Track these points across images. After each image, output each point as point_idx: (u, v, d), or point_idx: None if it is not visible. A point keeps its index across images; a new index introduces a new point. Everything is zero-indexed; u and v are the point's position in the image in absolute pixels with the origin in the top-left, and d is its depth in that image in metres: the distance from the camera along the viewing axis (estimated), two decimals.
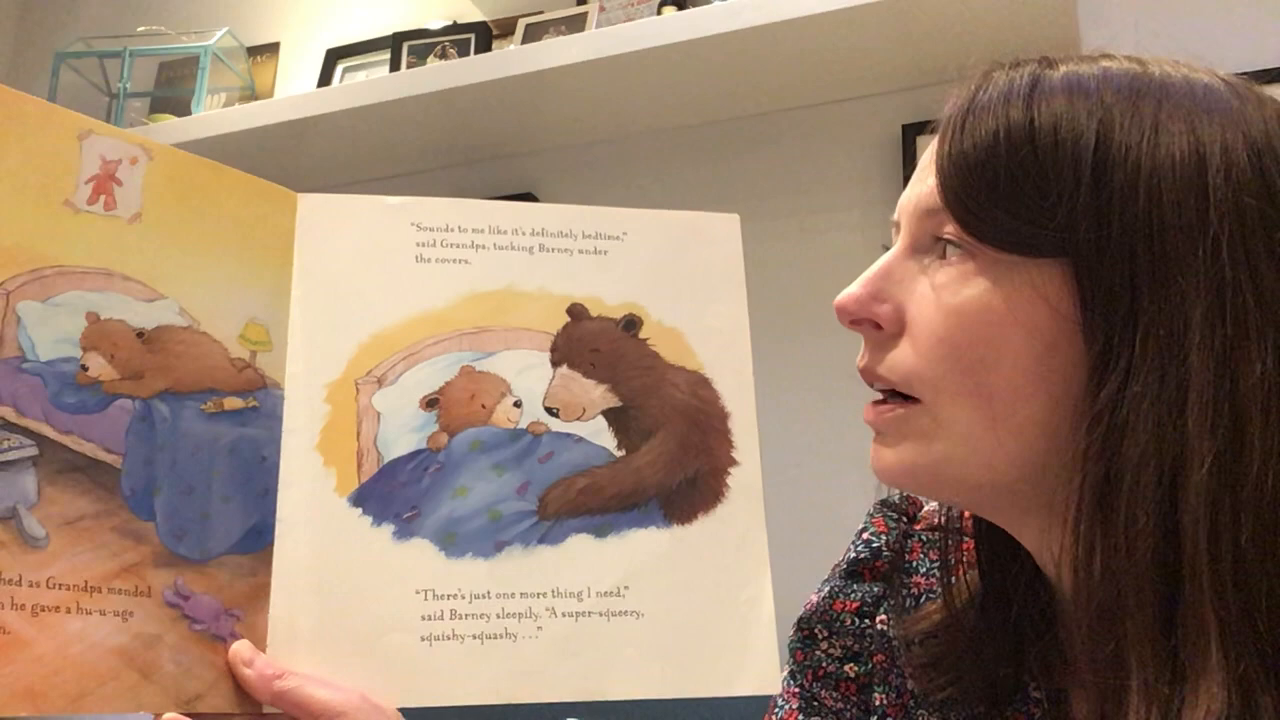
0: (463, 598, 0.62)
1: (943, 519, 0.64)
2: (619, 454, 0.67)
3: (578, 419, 0.67)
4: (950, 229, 0.52)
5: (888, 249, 0.58)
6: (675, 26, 1.48)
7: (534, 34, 1.72)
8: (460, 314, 0.68)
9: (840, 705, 0.66)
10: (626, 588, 0.64)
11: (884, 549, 0.68)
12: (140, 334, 0.61)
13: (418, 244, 0.69)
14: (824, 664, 0.67)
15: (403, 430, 0.65)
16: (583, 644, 0.62)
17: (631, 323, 0.70)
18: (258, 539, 0.61)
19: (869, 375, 0.57)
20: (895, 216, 0.58)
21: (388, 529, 0.63)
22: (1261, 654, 0.44)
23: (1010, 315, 0.50)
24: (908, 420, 0.54)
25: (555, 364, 0.68)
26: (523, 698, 0.61)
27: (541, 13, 1.77)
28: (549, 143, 1.77)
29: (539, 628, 0.62)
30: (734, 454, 0.69)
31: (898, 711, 0.64)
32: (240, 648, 0.59)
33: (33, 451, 0.56)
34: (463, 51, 1.81)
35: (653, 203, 1.63)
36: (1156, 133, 0.49)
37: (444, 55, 1.81)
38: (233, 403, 0.63)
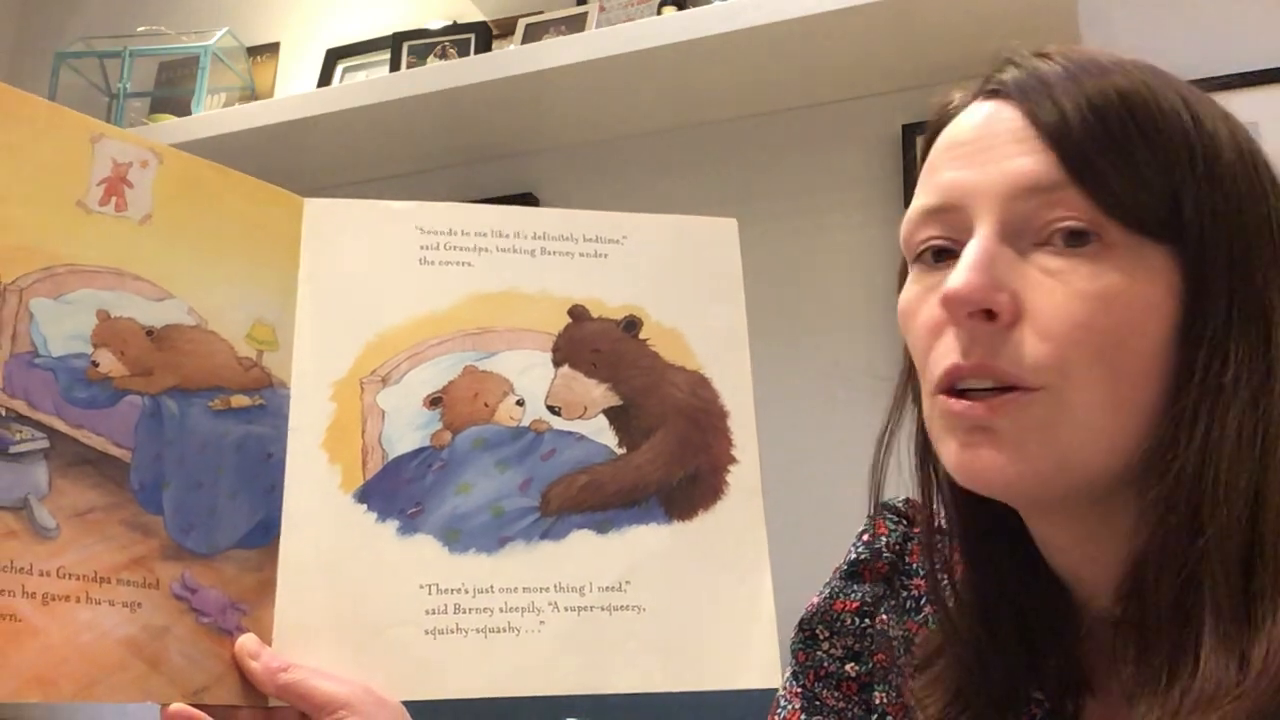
0: (466, 592, 0.63)
1: (943, 522, 0.61)
2: (620, 452, 0.68)
3: (579, 417, 0.68)
4: (1073, 208, 0.50)
5: (942, 252, 0.54)
6: (675, 26, 1.48)
7: (534, 34, 1.73)
8: (463, 315, 0.69)
9: (842, 705, 0.67)
10: (628, 583, 0.65)
11: (884, 550, 0.68)
12: (150, 332, 0.62)
13: (421, 247, 0.70)
14: (825, 664, 0.67)
15: (407, 428, 0.66)
16: (585, 638, 0.63)
17: (632, 324, 0.72)
18: (264, 534, 0.62)
19: (984, 371, 0.51)
20: (955, 202, 0.53)
21: (392, 525, 0.63)
22: None
23: (1140, 298, 0.49)
24: (1029, 409, 0.50)
25: (557, 364, 0.69)
26: (526, 691, 0.61)
27: (541, 13, 1.77)
28: (549, 143, 1.77)
29: (542, 622, 0.63)
30: (733, 452, 0.70)
31: (898, 710, 0.64)
32: (246, 641, 0.59)
33: (44, 444, 0.57)
34: (463, 51, 1.81)
35: (653, 202, 1.63)
36: (1216, 123, 0.52)
37: (444, 55, 1.81)
38: (239, 400, 0.64)
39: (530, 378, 0.69)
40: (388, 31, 1.93)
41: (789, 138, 1.62)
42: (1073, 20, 1.35)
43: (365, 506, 0.64)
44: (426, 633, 0.62)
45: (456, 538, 0.64)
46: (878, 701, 0.65)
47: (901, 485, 0.62)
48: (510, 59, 1.59)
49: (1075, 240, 0.50)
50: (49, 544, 0.55)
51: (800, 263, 1.56)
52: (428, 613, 0.62)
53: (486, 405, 0.67)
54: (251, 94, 2.04)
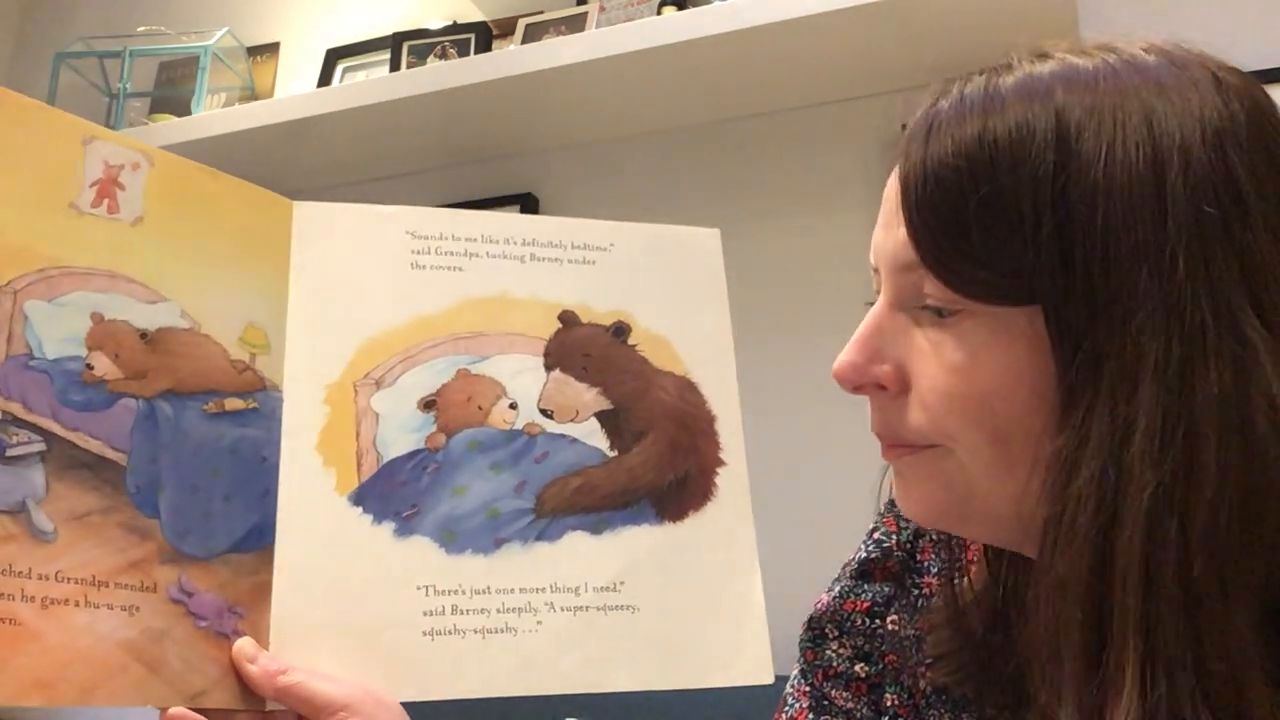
0: (463, 593, 0.63)
1: None
2: (611, 454, 0.69)
3: (571, 421, 0.69)
4: (931, 289, 0.51)
5: (871, 304, 0.56)
6: (675, 26, 1.48)
7: (534, 34, 1.73)
8: (456, 319, 0.69)
9: (851, 705, 0.67)
10: (622, 583, 0.66)
11: (895, 549, 0.68)
12: (143, 335, 0.62)
13: (413, 251, 0.70)
14: (834, 663, 0.68)
15: (401, 431, 0.66)
16: (581, 637, 0.64)
17: (621, 329, 0.73)
18: (259, 538, 0.62)
19: (887, 438, 0.55)
20: (873, 262, 0.56)
21: (388, 527, 0.64)
22: (1205, 691, 0.43)
23: (1009, 363, 0.49)
24: (928, 461, 0.53)
25: (548, 368, 0.70)
26: (524, 690, 0.62)
27: (541, 13, 1.77)
28: (549, 143, 1.77)
29: (539, 622, 0.63)
30: (721, 454, 0.72)
31: (909, 712, 0.64)
32: (244, 644, 0.59)
33: (41, 447, 0.57)
34: (463, 51, 1.81)
35: (653, 202, 1.66)
36: (1113, 144, 0.47)
37: (444, 55, 1.81)
38: (233, 403, 0.64)
39: (522, 381, 0.69)
40: (388, 31, 1.92)
41: (789, 138, 1.62)
42: (1072, 21, 1.36)
43: (361, 509, 0.64)
44: (424, 634, 0.62)
45: (453, 539, 0.64)
46: (889, 703, 0.65)
47: None
48: (510, 59, 1.59)
49: (941, 315, 0.51)
50: (47, 547, 0.55)
51: (800, 262, 1.56)
52: (425, 614, 0.62)
53: (480, 408, 0.68)
54: (251, 94, 2.03)
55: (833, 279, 1.53)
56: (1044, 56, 0.52)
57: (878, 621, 0.68)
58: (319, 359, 0.66)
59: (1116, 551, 0.44)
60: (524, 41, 1.72)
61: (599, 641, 0.64)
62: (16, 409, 0.56)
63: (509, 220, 0.74)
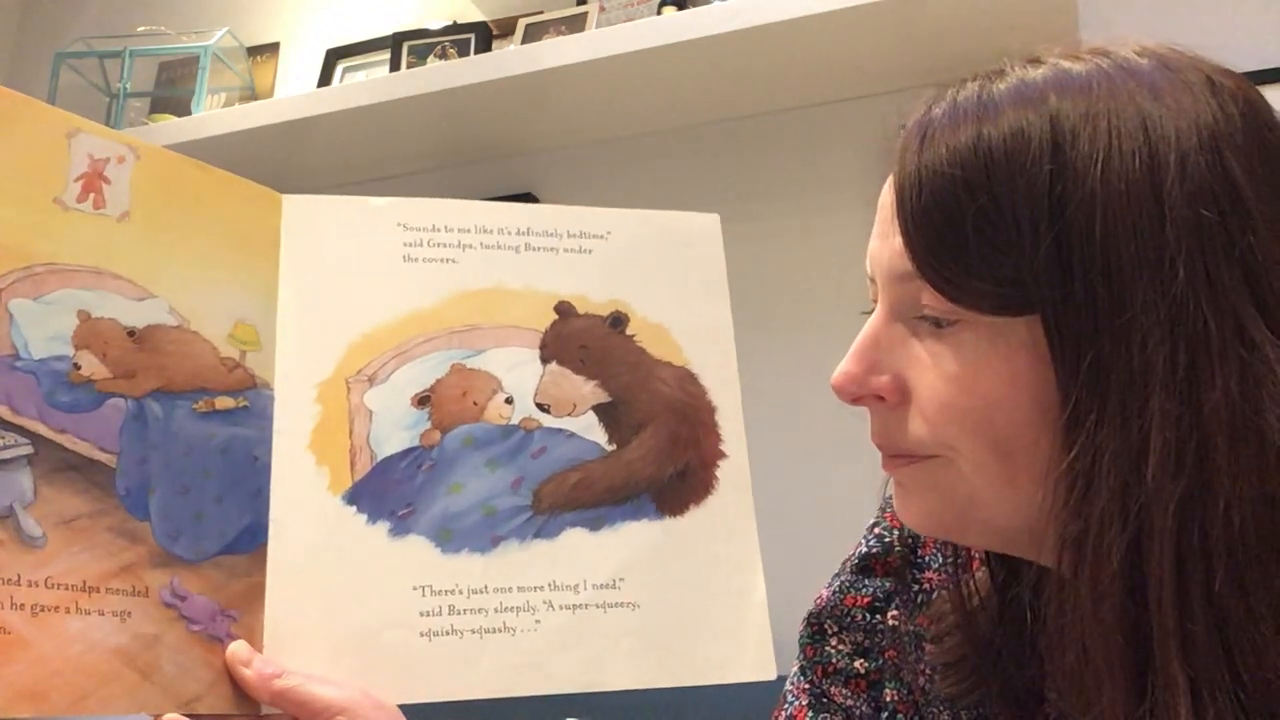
0: (460, 593, 0.62)
1: None
2: (610, 448, 0.68)
3: (568, 414, 0.68)
4: (929, 299, 0.50)
5: (869, 314, 0.56)
6: (675, 26, 1.47)
7: (534, 34, 1.72)
8: (449, 312, 0.68)
9: (850, 702, 0.67)
10: (622, 579, 0.65)
11: (896, 544, 0.68)
12: (131, 333, 0.61)
13: (405, 244, 0.69)
14: (834, 660, 0.67)
15: (395, 428, 0.65)
16: (581, 635, 0.63)
17: (618, 319, 0.71)
18: (251, 539, 0.61)
19: (888, 449, 0.55)
20: (869, 271, 0.56)
21: (383, 526, 0.63)
22: (1243, 706, 0.42)
23: (1009, 373, 0.49)
24: (929, 471, 0.53)
25: (545, 360, 0.69)
26: (523, 690, 0.61)
27: (541, 13, 1.77)
28: (549, 143, 1.77)
29: (537, 621, 0.63)
30: (722, 447, 0.71)
31: (908, 708, 0.64)
32: (238, 648, 0.58)
33: (28, 450, 0.56)
34: (463, 51, 1.80)
35: (653, 202, 1.61)
36: (1110, 149, 0.46)
37: (444, 55, 1.80)
38: (224, 402, 0.63)
39: (518, 375, 0.68)
40: (388, 31, 1.92)
41: (789, 138, 1.62)
42: (1072, 21, 1.36)
43: (355, 508, 0.63)
44: (421, 635, 0.61)
45: (449, 538, 0.63)
46: (888, 699, 0.65)
47: None
48: (510, 59, 1.59)
49: (940, 325, 0.51)
50: (36, 553, 0.54)
51: (801, 262, 1.56)
52: (422, 615, 0.61)
53: (475, 403, 0.67)
54: (251, 94, 2.02)
55: (834, 278, 1.52)
56: (1037, 62, 0.51)
57: (878, 617, 0.67)
58: (310, 356, 0.65)
59: (1149, 569, 0.44)
60: (524, 41, 1.72)
61: (599, 640, 0.63)
62: (3, 411, 0.55)
63: (503, 210, 0.72)
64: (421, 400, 0.66)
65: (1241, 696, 0.42)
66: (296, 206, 0.68)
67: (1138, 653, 0.44)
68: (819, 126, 1.60)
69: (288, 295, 0.66)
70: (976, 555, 0.61)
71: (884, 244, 0.53)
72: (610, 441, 0.68)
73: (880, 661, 0.66)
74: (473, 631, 0.62)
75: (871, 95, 1.57)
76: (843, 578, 0.69)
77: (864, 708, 0.66)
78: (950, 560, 0.62)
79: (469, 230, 0.70)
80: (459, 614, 0.62)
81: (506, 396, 0.67)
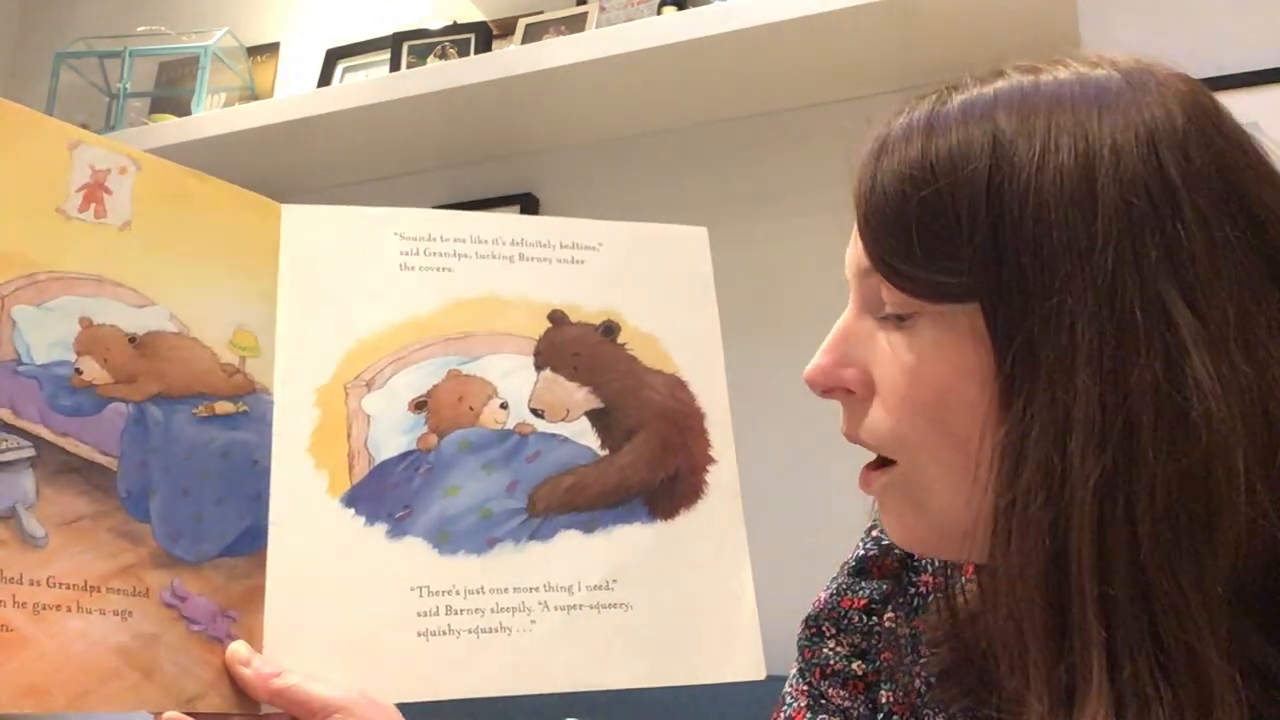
0: (457, 593, 0.63)
1: None
2: (602, 453, 0.69)
3: (562, 420, 0.69)
4: (887, 294, 0.53)
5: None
6: (675, 26, 1.47)
7: (534, 34, 1.72)
8: (445, 320, 0.69)
9: (847, 703, 0.67)
10: (615, 581, 0.66)
11: (893, 546, 0.68)
12: (132, 339, 0.62)
13: (401, 253, 0.70)
14: (831, 661, 0.68)
15: (392, 432, 0.66)
16: (575, 636, 0.64)
17: (610, 328, 0.73)
18: (251, 542, 0.62)
19: (852, 440, 0.57)
20: (847, 273, 0.58)
21: (381, 528, 0.64)
22: (1162, 666, 0.44)
23: (960, 363, 0.51)
24: (895, 485, 0.55)
25: (538, 367, 0.70)
26: (519, 690, 0.62)
27: (541, 13, 1.77)
28: (549, 143, 1.77)
29: (532, 621, 0.64)
30: (711, 452, 0.72)
31: (904, 710, 0.64)
32: (238, 648, 0.59)
33: (30, 452, 0.57)
34: (463, 51, 1.81)
35: (653, 202, 1.65)
36: (1045, 150, 0.49)
37: (444, 55, 1.80)
38: (224, 407, 0.64)
39: (513, 381, 0.69)
40: (388, 31, 1.92)
41: (789, 138, 1.62)
42: (1072, 21, 1.35)
43: (353, 511, 0.64)
44: (419, 635, 0.62)
45: (446, 540, 0.64)
46: (884, 700, 0.65)
47: None
48: (510, 59, 1.59)
49: (901, 318, 0.53)
50: (38, 553, 0.55)
51: (800, 262, 1.56)
52: (419, 615, 0.62)
53: (471, 408, 0.68)
54: (251, 94, 2.03)
55: (834, 278, 1.52)
56: (997, 74, 0.54)
57: (874, 618, 0.68)
58: (309, 361, 0.66)
59: (1070, 539, 0.45)
60: (524, 41, 1.72)
61: (593, 640, 0.64)
62: (5, 415, 0.56)
63: (497, 221, 0.74)
64: (418, 405, 0.67)
65: (1161, 657, 0.44)
66: (295, 215, 0.69)
67: (1059, 616, 0.46)
68: (819, 127, 1.60)
69: (286, 302, 0.67)
70: (971, 575, 0.62)
71: (853, 245, 0.57)
72: (603, 447, 0.70)
73: (877, 663, 0.67)
74: (469, 631, 0.62)
75: (871, 95, 1.57)
76: (840, 580, 0.70)
77: (861, 709, 0.67)
78: (942, 566, 0.63)
79: (464, 240, 0.72)
80: (456, 614, 0.63)
81: (502, 402, 0.69)
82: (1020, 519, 0.46)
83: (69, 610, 0.55)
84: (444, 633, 0.62)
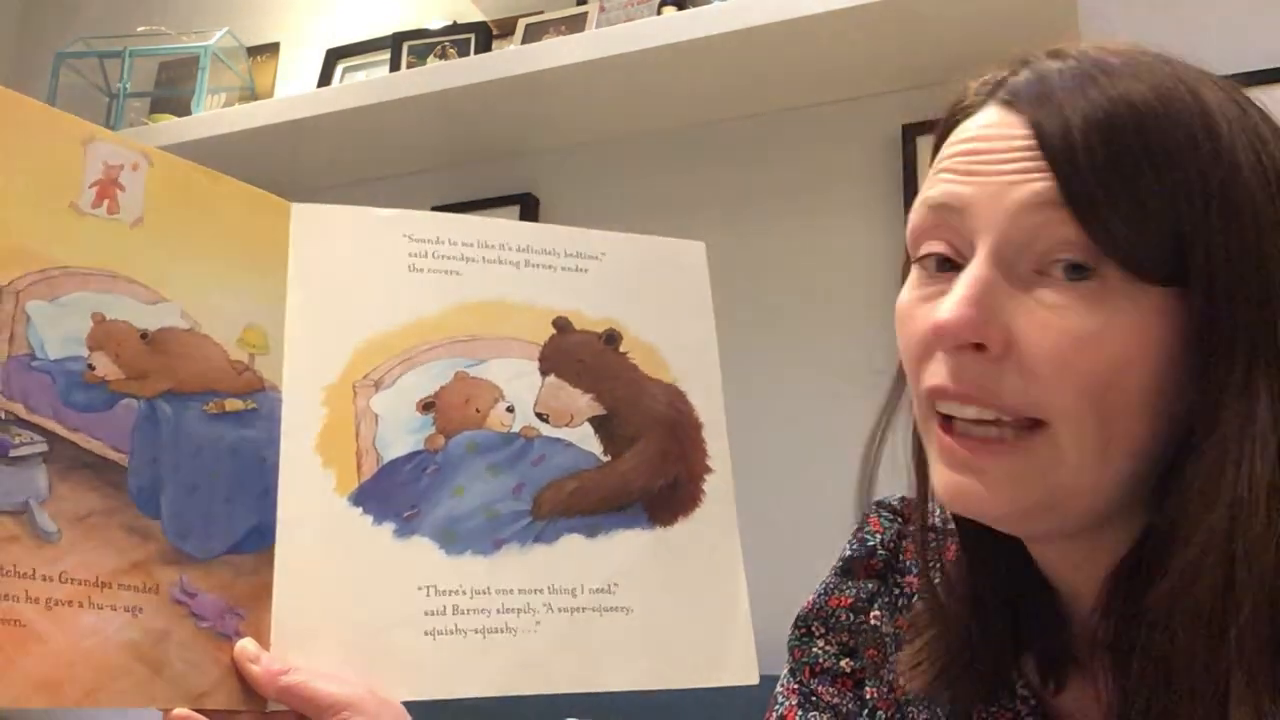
0: (464, 593, 0.64)
1: (938, 520, 0.63)
2: (605, 459, 0.70)
3: (566, 425, 0.70)
4: (1072, 241, 0.48)
5: (943, 260, 0.53)
6: (675, 26, 1.48)
7: (534, 34, 1.73)
8: (453, 322, 0.70)
9: (837, 700, 0.69)
10: (616, 585, 0.67)
11: (879, 548, 0.70)
12: (144, 335, 0.62)
13: (410, 254, 0.71)
14: (821, 660, 0.69)
15: (400, 432, 0.67)
16: (578, 638, 0.65)
17: (613, 336, 0.74)
18: (259, 539, 0.62)
19: (970, 399, 0.51)
20: (952, 203, 0.52)
21: (388, 527, 0.64)
22: None
23: (1135, 340, 0.48)
24: (1016, 455, 0.51)
25: (544, 372, 0.71)
26: (524, 689, 0.63)
27: (541, 13, 1.78)
28: (549, 143, 1.77)
29: (537, 622, 0.64)
30: (708, 461, 0.73)
31: (889, 705, 0.66)
32: (246, 645, 0.59)
33: (43, 448, 0.57)
34: (463, 51, 1.81)
35: (653, 203, 1.66)
36: (1249, 143, 0.48)
37: (444, 55, 1.81)
38: (233, 404, 0.64)
39: (519, 385, 0.70)
40: (388, 31, 1.92)
41: (789, 138, 1.63)
42: (1073, 21, 1.36)
43: (361, 509, 0.64)
44: (426, 633, 0.62)
45: (453, 540, 0.65)
46: (869, 696, 0.67)
47: (896, 481, 0.64)
48: (510, 59, 1.59)
49: (1073, 274, 0.49)
50: (50, 548, 0.55)
51: (799, 263, 1.57)
52: (426, 614, 0.63)
53: (478, 410, 0.69)
54: (251, 94, 2.03)
55: (832, 279, 1.54)
56: (1114, 52, 0.52)
57: (861, 617, 0.69)
58: (318, 360, 0.67)
59: None
60: (524, 41, 1.73)
61: (594, 642, 0.65)
62: (19, 409, 0.56)
63: (504, 226, 0.75)
64: (426, 406, 0.68)
65: None
66: (305, 214, 0.69)
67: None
68: (819, 127, 1.61)
69: (296, 301, 0.67)
70: (951, 544, 0.63)
71: (997, 181, 0.51)
72: (605, 452, 0.70)
73: (863, 660, 0.69)
74: (476, 631, 0.63)
75: (871, 95, 1.58)
76: (827, 580, 0.71)
77: (850, 705, 0.68)
78: (924, 562, 0.62)
79: (472, 244, 0.72)
80: (462, 614, 0.63)
81: (508, 405, 0.69)
82: (1252, 519, 0.46)
83: (81, 606, 0.55)
84: (451, 632, 0.63)
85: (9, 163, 0.59)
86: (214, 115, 1.83)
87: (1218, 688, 0.46)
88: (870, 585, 0.70)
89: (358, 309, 0.69)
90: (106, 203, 0.63)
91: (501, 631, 0.63)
